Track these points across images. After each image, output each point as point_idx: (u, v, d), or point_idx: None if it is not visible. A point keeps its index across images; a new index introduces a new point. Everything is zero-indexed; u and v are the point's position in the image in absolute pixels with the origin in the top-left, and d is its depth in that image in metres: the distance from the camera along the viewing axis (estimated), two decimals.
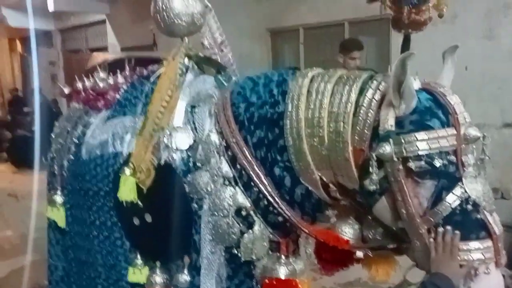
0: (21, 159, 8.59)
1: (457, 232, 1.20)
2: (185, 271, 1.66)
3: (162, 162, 1.62)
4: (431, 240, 1.22)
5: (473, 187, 1.19)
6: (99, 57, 7.34)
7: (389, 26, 4.96)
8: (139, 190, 1.68)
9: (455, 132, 1.21)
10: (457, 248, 1.20)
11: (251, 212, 1.53)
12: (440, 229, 1.20)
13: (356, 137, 1.28)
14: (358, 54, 4.12)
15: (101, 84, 2.21)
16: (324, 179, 1.41)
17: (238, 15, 6.41)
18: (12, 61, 14.36)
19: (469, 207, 1.19)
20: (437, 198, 1.21)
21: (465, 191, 1.18)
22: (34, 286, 3.58)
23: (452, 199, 1.19)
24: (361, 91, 1.30)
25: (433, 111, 1.23)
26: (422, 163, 1.18)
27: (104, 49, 9.44)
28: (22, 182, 7.65)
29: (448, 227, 1.20)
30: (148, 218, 1.69)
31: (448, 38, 4.48)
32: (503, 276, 1.26)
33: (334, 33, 5.83)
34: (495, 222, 1.20)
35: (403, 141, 1.20)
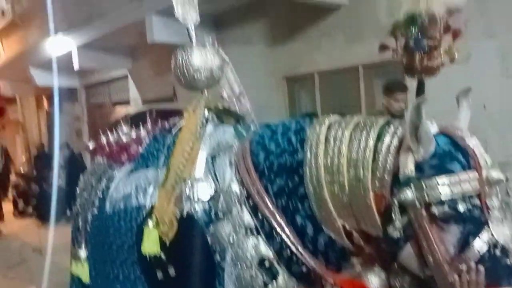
0: (46, 213, 8.72)
1: (481, 268, 1.16)
2: None
3: (185, 213, 1.64)
4: (455, 277, 1.18)
5: (500, 231, 1.16)
6: (121, 111, 7.59)
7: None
8: (162, 242, 1.68)
9: (477, 175, 1.19)
10: (482, 285, 1.15)
11: (275, 263, 1.51)
12: (464, 267, 1.17)
13: (377, 183, 1.27)
14: (402, 96, 3.89)
15: (124, 138, 2.29)
16: (347, 227, 1.40)
17: (254, 66, 6.61)
18: (39, 118, 14.91)
19: (498, 252, 1.15)
20: (464, 244, 1.18)
21: (493, 236, 1.16)
22: None
23: (479, 245, 1.16)
24: (379, 137, 1.31)
25: (452, 154, 1.22)
26: (446, 208, 1.16)
27: (126, 102, 9.75)
28: (46, 237, 7.72)
29: (472, 264, 1.16)
30: (172, 271, 1.68)
31: (464, 77, 4.50)
32: None
33: (348, 77, 5.92)
34: None
35: (424, 186, 1.18)
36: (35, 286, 5.26)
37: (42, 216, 8.94)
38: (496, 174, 1.19)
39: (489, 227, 1.16)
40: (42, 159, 10.09)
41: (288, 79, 6.70)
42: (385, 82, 4.25)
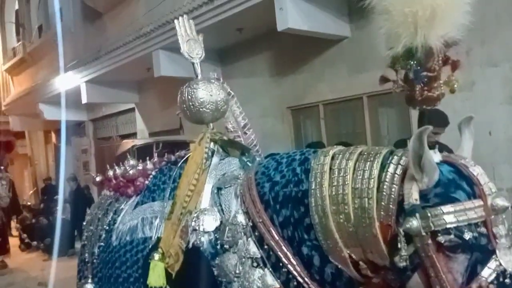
0: (52, 247, 8.68)
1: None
2: None
3: (190, 245, 1.64)
4: None
5: (508, 259, 1.15)
6: (128, 144, 7.65)
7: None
8: (168, 275, 1.68)
9: (482, 203, 1.19)
10: None
11: None
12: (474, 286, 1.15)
13: (382, 213, 1.28)
14: (440, 130, 3.67)
15: (131, 171, 2.30)
16: (354, 257, 1.39)
17: (260, 97, 6.70)
18: (47, 152, 15.06)
19: (507, 280, 1.14)
20: (472, 273, 1.17)
21: (500, 264, 1.15)
22: None
23: (487, 273, 1.15)
24: (383, 167, 1.32)
25: (457, 182, 1.22)
26: (452, 236, 1.16)
27: (133, 135, 9.85)
28: (51, 271, 7.66)
29: (485, 285, 1.15)
30: None
31: (468, 104, 4.52)
32: None
33: (353, 107, 5.97)
34: None
35: (429, 214, 1.19)
36: None
37: (48, 250, 8.91)
38: (501, 201, 1.18)
39: (496, 255, 1.16)
40: (49, 192, 10.12)
41: (293, 109, 6.76)
42: (427, 111, 4.11)
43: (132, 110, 10.08)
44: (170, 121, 8.24)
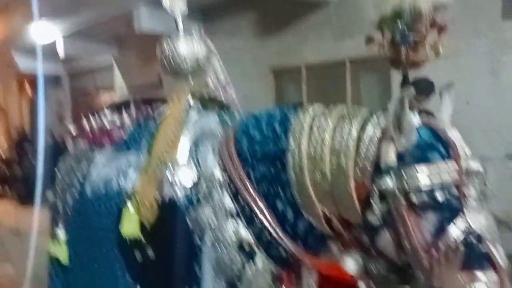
0: (25, 196, 8.64)
1: (460, 247, 1.19)
2: None
3: (166, 198, 1.64)
4: (435, 256, 1.21)
5: (476, 219, 1.19)
6: (106, 98, 7.49)
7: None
8: (142, 226, 1.69)
9: (456, 165, 1.21)
10: (458, 263, 1.19)
11: (254, 246, 1.53)
12: (442, 247, 1.20)
13: (358, 172, 1.30)
14: (425, 98, 3.69)
15: (106, 123, 2.27)
16: (327, 213, 1.42)
17: (242, 57, 6.59)
18: (21, 103, 14.64)
19: (473, 240, 1.19)
20: (441, 231, 1.20)
21: (469, 224, 1.19)
22: None
23: (455, 232, 1.19)
24: (362, 127, 1.33)
25: (433, 145, 1.24)
26: (424, 196, 1.19)
27: (111, 89, 9.64)
28: (25, 219, 7.63)
29: (452, 245, 1.20)
30: (151, 254, 1.70)
31: (450, 73, 4.56)
32: None
33: (336, 71, 5.95)
34: (499, 255, 1.20)
35: (404, 175, 1.21)
36: (12, 267, 5.19)
37: (21, 199, 8.86)
38: (475, 165, 1.22)
39: (465, 215, 1.19)
40: (23, 144, 9.94)
41: (275, 71, 6.70)
42: (414, 79, 3.89)
43: (110, 66, 9.81)
44: (149, 77, 8.07)
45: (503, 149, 4.58)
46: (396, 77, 4.79)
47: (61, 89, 11.69)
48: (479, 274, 1.18)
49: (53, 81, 11.52)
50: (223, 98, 2.12)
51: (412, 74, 3.16)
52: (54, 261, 2.17)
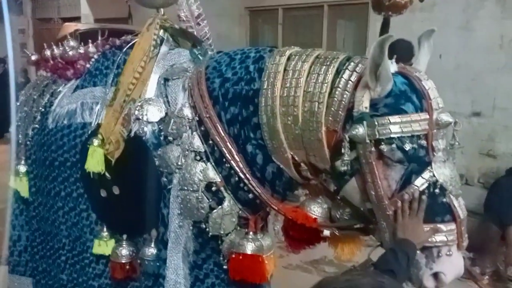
0: None
1: (424, 197, 1.22)
2: (152, 245, 1.65)
3: (132, 134, 1.59)
4: (399, 205, 1.23)
5: (441, 171, 1.21)
6: (71, 27, 7.09)
7: (368, 11, 4.99)
8: (107, 161, 1.64)
9: (427, 116, 1.22)
10: (422, 213, 1.22)
11: (221, 188, 1.52)
12: (406, 196, 1.22)
13: (330, 118, 1.29)
14: (406, 63, 3.41)
15: (70, 52, 2.11)
16: (296, 158, 1.41)
17: None
18: None
19: (437, 190, 1.21)
20: (406, 181, 1.22)
21: (434, 175, 1.20)
22: None
23: (420, 182, 1.21)
24: (338, 72, 1.30)
25: (407, 95, 1.23)
26: (394, 146, 1.19)
27: (77, 19, 9.12)
28: None
29: (416, 195, 1.22)
30: (116, 190, 1.67)
31: (426, 26, 4.49)
32: (464, 258, 1.30)
33: (313, 15, 5.81)
34: (460, 206, 1.23)
35: (376, 123, 1.20)
36: None
37: None
38: (446, 117, 1.22)
39: (431, 167, 1.21)
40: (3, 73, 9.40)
41: (251, 11, 6.47)
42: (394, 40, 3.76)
43: None
44: (119, 9, 7.68)
45: (470, 106, 4.68)
46: (373, 27, 4.73)
47: (22, 15, 10.96)
48: (440, 225, 1.22)
49: (13, 5, 10.77)
50: (195, 32, 2.00)
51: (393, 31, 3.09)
52: (16, 195, 2.11)
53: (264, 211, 1.63)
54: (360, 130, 1.20)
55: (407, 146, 1.18)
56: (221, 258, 1.60)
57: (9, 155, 2.23)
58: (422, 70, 1.32)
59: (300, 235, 1.56)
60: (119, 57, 1.84)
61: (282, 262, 3.40)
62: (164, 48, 1.78)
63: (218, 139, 1.48)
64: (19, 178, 2.06)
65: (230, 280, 1.60)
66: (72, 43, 2.22)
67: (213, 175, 1.50)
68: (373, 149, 1.22)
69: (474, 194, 4.39)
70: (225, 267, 1.59)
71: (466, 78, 4.63)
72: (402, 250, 1.19)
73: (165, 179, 1.58)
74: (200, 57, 1.74)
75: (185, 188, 1.51)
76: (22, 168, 2.06)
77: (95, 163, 1.64)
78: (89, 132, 1.74)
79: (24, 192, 2.07)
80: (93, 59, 2.00)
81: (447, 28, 4.63)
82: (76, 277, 1.90)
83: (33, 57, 2.41)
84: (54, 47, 2.23)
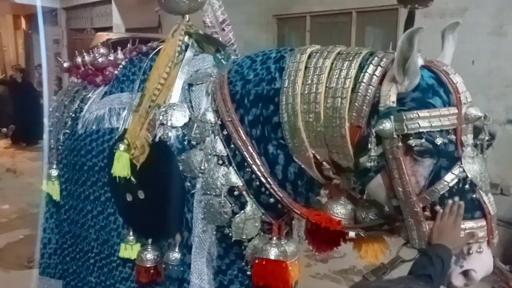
0: (21, 135, 8.64)
1: (462, 202, 1.18)
2: (176, 249, 1.66)
3: (157, 139, 1.60)
4: (438, 208, 1.21)
5: (471, 167, 1.18)
6: (103, 37, 7.29)
7: (397, 16, 4.92)
8: (133, 166, 1.66)
9: (456, 111, 1.20)
10: (460, 218, 1.19)
11: (244, 192, 1.51)
12: (450, 201, 1.19)
13: (354, 114, 1.27)
14: None
15: (100, 59, 2.18)
16: (318, 157, 1.39)
17: (245, 2, 6.34)
18: (16, 38, 14.29)
19: (466, 186, 1.19)
20: (435, 177, 1.20)
21: (464, 171, 1.18)
22: (29, 259, 3.61)
23: (450, 178, 1.18)
24: (361, 67, 1.28)
25: (435, 89, 1.22)
26: (423, 140, 1.18)
27: (108, 29, 9.37)
28: (21, 158, 7.68)
29: (456, 198, 1.19)
30: (141, 195, 1.68)
31: (457, 31, 4.42)
32: (493, 257, 1.26)
33: (341, 22, 5.77)
34: (490, 202, 1.21)
35: (404, 117, 1.18)
36: (8, 205, 5.26)
37: (17, 138, 8.87)
38: (474, 111, 1.19)
39: (461, 162, 1.18)
40: (24, 82, 9.76)
41: (279, 18, 6.48)
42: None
43: (108, 2, 9.48)
44: (149, 18, 7.83)
45: (504, 114, 4.53)
46: (402, 32, 4.64)
47: (57, 25, 11.36)
48: (469, 222, 1.19)
49: (48, 16, 11.18)
50: (220, 37, 2.02)
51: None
52: (47, 198, 2.18)
53: (288, 217, 1.61)
54: (387, 125, 1.18)
55: (437, 141, 1.17)
56: (245, 264, 1.59)
57: (42, 161, 2.31)
58: (448, 63, 1.29)
59: (325, 237, 1.54)
60: (145, 64, 1.87)
61: (310, 272, 3.36)
62: (188, 54, 1.80)
63: (240, 143, 1.48)
64: (51, 182, 2.12)
65: (254, 286, 1.58)
66: (102, 50, 2.28)
67: (235, 179, 1.50)
68: (400, 144, 1.19)
69: (509, 204, 4.22)
70: (249, 273, 1.57)
71: (500, 85, 4.48)
72: (437, 255, 1.16)
73: (188, 184, 1.58)
74: (223, 62, 1.76)
75: (208, 192, 1.51)
76: (54, 172, 2.12)
77: (121, 167, 1.66)
78: (116, 137, 1.78)
79: (56, 196, 2.12)
80: (121, 66, 2.05)
81: (479, 34, 4.50)
82: (104, 279, 1.93)
83: (65, 64, 2.50)
84: (85, 54, 2.30)
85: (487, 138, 1.22)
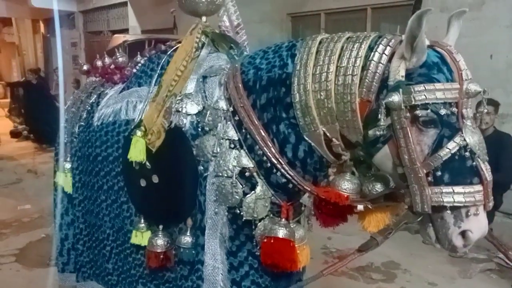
0: (42, 136, 8.80)
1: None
2: (188, 233, 1.71)
3: (173, 125, 1.68)
4: (439, 174, 1.30)
5: (470, 137, 1.27)
6: (119, 39, 7.40)
7: (412, 13, 4.88)
8: (148, 152, 1.73)
9: (458, 86, 1.28)
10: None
11: (254, 174, 1.58)
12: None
13: (364, 89, 1.36)
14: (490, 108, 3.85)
15: (120, 59, 2.29)
16: (328, 134, 1.47)
17: (259, 0, 6.37)
18: (35, 42, 14.58)
19: (466, 154, 1.27)
20: (438, 145, 1.29)
21: (464, 139, 1.27)
22: (51, 257, 3.69)
23: (452, 146, 1.27)
24: (371, 48, 1.36)
25: (439, 66, 1.31)
26: (429, 111, 1.27)
27: (125, 31, 9.50)
28: (42, 159, 7.84)
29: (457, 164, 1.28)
30: (155, 179, 1.74)
31: (474, 25, 4.36)
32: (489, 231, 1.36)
33: (356, 18, 5.76)
34: (486, 170, 1.29)
35: (412, 90, 1.27)
36: (30, 205, 5.38)
37: (38, 139, 9.04)
38: (474, 86, 1.28)
39: (462, 132, 1.28)
40: (38, 84, 9.97)
41: (293, 16, 6.49)
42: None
43: (124, 4, 9.61)
44: (164, 20, 7.93)
45: None
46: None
47: (75, 28, 11.55)
48: (468, 187, 1.28)
49: (66, 20, 11.38)
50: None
51: None
52: (62, 195, 2.23)
53: (297, 201, 1.66)
54: (396, 97, 1.28)
55: (442, 111, 1.26)
56: (255, 245, 1.65)
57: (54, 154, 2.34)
58: (451, 44, 1.38)
59: (333, 212, 1.59)
60: (163, 59, 1.94)
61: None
62: (204, 51, 1.88)
63: (252, 127, 1.56)
64: (63, 174, 2.18)
65: (264, 269, 1.65)
66: (122, 52, 2.38)
67: (246, 161, 1.57)
68: (408, 114, 1.29)
69: None
70: (258, 254, 1.63)
71: None
72: None
73: (201, 168, 1.65)
74: (236, 58, 1.87)
75: (220, 174, 1.58)
76: (67, 165, 2.18)
77: (137, 152, 1.72)
78: (133, 126, 1.83)
79: (68, 188, 2.18)
80: (139, 64, 2.12)
81: (497, 27, 4.45)
82: (121, 265, 2.00)
83: (85, 67, 2.59)
84: (106, 56, 2.40)
85: (485, 111, 1.34)
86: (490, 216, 3.79)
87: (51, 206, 2.44)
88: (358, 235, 1.76)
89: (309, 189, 1.56)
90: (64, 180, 2.18)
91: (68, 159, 2.19)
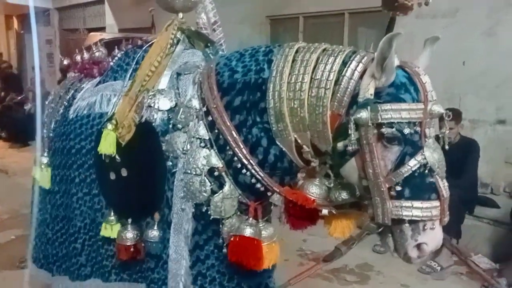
0: (13, 135, 8.58)
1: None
2: (155, 227, 1.74)
3: (143, 120, 1.70)
4: (400, 189, 1.36)
5: (431, 155, 1.34)
6: (96, 37, 7.28)
7: (389, 19, 4.97)
8: (118, 145, 1.74)
9: (423, 106, 1.35)
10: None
11: (223, 173, 1.61)
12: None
13: (336, 103, 1.42)
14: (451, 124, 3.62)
15: (97, 54, 2.31)
16: (299, 141, 1.52)
17: (238, 2, 6.37)
18: (8, 38, 14.21)
19: (426, 171, 1.34)
20: (401, 162, 1.36)
21: (424, 158, 1.34)
22: (21, 259, 3.60)
23: (413, 163, 1.34)
24: (344, 63, 1.42)
25: (407, 86, 1.38)
26: (394, 130, 1.34)
27: (102, 29, 9.36)
28: (14, 159, 7.64)
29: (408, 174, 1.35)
30: (124, 172, 1.76)
31: (449, 31, 4.46)
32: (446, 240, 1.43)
33: (334, 22, 5.83)
34: (444, 186, 1.37)
35: (379, 108, 1.34)
36: (0, 206, 5.22)
37: (9, 138, 8.82)
38: (438, 108, 1.36)
39: (423, 150, 1.35)
40: (11, 81, 9.72)
41: (272, 19, 6.52)
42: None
43: (101, 2, 9.47)
44: (142, 19, 7.84)
45: (495, 114, 4.58)
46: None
47: (50, 25, 11.31)
48: (426, 202, 1.35)
49: (41, 16, 11.13)
50: (210, 37, 2.11)
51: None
52: (41, 192, 2.19)
53: (266, 201, 1.70)
54: (364, 114, 1.34)
55: (406, 131, 1.33)
56: (221, 241, 1.68)
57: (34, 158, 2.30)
58: (421, 66, 1.44)
59: (301, 214, 1.65)
60: (139, 54, 1.95)
61: (303, 270, 3.38)
62: (179, 47, 1.90)
63: (224, 128, 1.58)
64: (40, 169, 2.15)
65: (228, 262, 1.67)
66: (100, 48, 2.36)
67: (216, 161, 1.61)
68: (374, 131, 1.35)
69: (499, 203, 4.27)
70: (224, 250, 1.67)
71: (491, 85, 4.53)
72: None
73: (170, 163, 1.67)
74: (211, 56, 1.89)
75: (189, 171, 1.61)
76: (44, 159, 2.15)
77: (107, 145, 1.73)
78: (105, 119, 1.84)
79: (46, 183, 2.14)
80: (116, 58, 2.12)
81: (471, 34, 4.56)
82: (95, 256, 2.00)
83: (65, 62, 2.63)
84: (84, 51, 2.40)
85: (447, 132, 1.41)
86: (460, 218, 3.93)
87: (22, 207, 2.38)
88: (332, 237, 1.80)
89: (277, 190, 1.61)
90: (41, 175, 2.15)
91: (45, 154, 2.16)
